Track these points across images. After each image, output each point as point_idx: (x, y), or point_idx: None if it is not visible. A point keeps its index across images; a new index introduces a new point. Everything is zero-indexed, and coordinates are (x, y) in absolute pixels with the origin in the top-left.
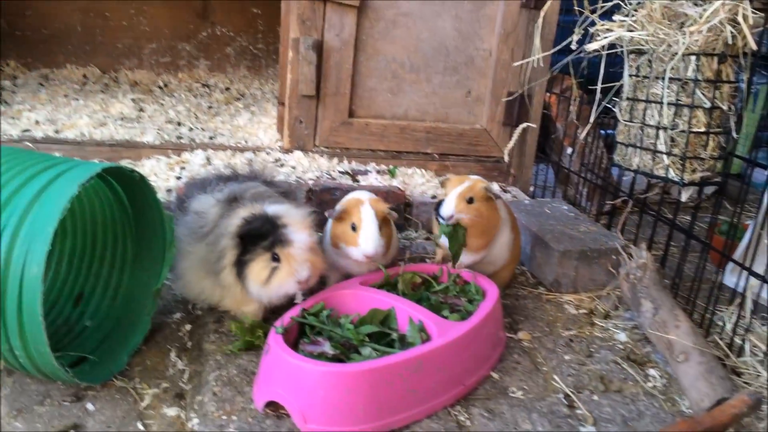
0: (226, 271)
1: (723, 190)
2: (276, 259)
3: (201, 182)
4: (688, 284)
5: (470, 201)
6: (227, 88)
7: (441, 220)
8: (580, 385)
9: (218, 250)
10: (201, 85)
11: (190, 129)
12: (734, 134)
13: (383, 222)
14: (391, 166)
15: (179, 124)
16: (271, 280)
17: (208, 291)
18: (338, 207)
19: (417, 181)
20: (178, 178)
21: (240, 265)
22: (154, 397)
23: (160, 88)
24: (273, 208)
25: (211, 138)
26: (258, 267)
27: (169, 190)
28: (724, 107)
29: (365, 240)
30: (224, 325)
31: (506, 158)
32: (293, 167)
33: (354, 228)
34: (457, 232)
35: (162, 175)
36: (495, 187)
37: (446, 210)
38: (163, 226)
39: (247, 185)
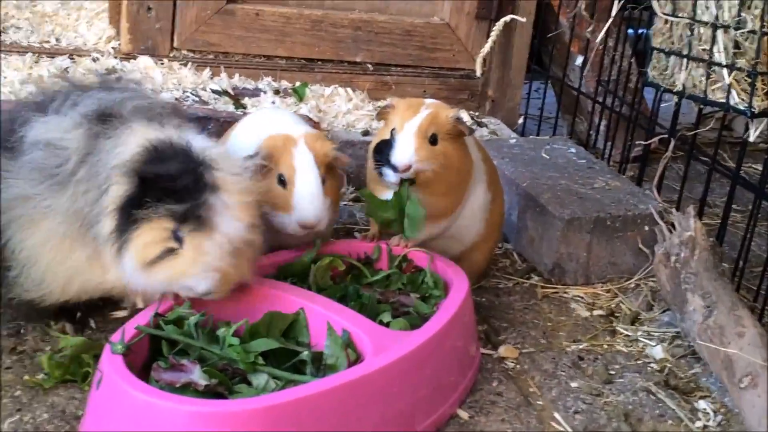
0: (109, 222)
1: None
2: (178, 239)
3: (37, 101)
4: (758, 269)
5: (433, 141)
6: None
7: (387, 173)
8: (595, 428)
9: (95, 193)
10: None
11: None
12: None
13: (327, 171)
14: (297, 83)
15: None
16: (157, 266)
17: (84, 273)
18: (255, 149)
19: (339, 107)
20: None
21: (123, 222)
22: None
23: None
24: (199, 143)
25: None
26: (147, 237)
27: None
28: None
29: (302, 201)
30: (27, 340)
31: (479, 71)
32: (137, 83)
33: (283, 182)
34: (401, 192)
35: None
36: (463, 117)
37: (400, 156)
38: None
39: (122, 95)
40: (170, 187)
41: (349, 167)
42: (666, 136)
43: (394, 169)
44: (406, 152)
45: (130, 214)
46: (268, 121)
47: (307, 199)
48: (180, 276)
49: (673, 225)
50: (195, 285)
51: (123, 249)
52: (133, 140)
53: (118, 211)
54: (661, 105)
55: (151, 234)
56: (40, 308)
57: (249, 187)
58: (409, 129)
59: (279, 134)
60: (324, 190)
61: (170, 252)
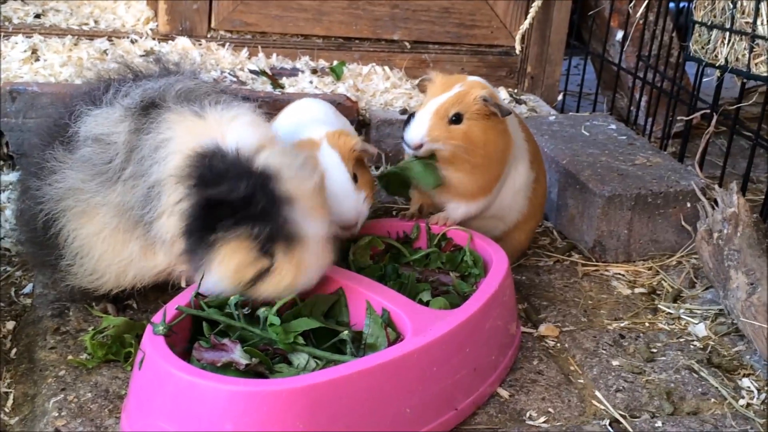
0: (164, 221)
1: None
2: (267, 255)
3: (88, 90)
4: None
5: (456, 120)
6: None
7: (406, 149)
8: (636, 406)
9: (142, 191)
10: None
11: (2, 1)
12: None
13: (357, 165)
14: (335, 63)
15: None
16: (258, 287)
17: (139, 262)
18: None
19: (377, 86)
20: None
21: (196, 244)
22: None
23: None
24: (248, 141)
25: (37, 16)
26: (237, 259)
27: None
28: None
29: (337, 202)
30: (70, 321)
31: (518, 48)
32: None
33: None
34: (426, 169)
35: None
36: (502, 94)
37: (412, 134)
38: None
39: (167, 81)
40: (247, 213)
41: (380, 145)
42: (708, 111)
43: (407, 145)
44: (417, 131)
45: (201, 237)
46: (296, 121)
47: (341, 199)
48: (286, 290)
49: (715, 201)
50: (298, 291)
51: (203, 269)
52: (177, 144)
53: (187, 233)
54: (703, 80)
55: (238, 257)
56: (91, 294)
57: (315, 183)
58: (429, 107)
59: (302, 140)
60: (357, 185)
61: (265, 272)
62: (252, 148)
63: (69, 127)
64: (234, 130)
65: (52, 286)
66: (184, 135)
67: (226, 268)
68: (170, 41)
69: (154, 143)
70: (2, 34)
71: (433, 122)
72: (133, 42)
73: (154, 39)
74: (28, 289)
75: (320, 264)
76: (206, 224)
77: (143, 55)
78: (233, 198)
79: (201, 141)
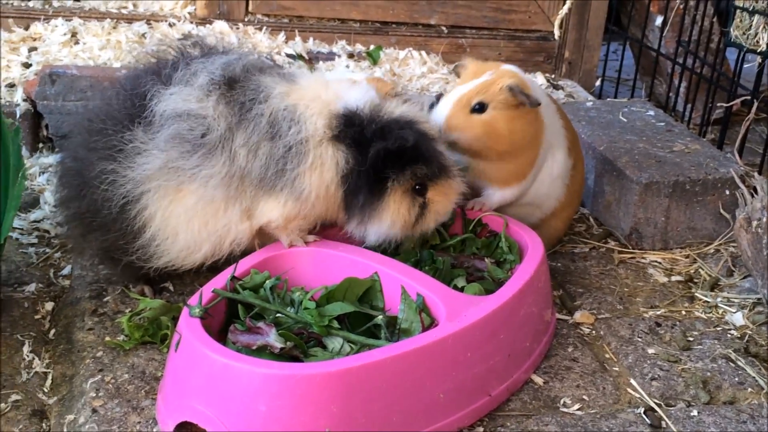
0: (307, 178)
1: None
2: (421, 192)
3: (157, 71)
4: None
5: (479, 109)
6: None
7: None
8: (672, 395)
9: (280, 151)
10: None
11: None
12: None
13: None
14: (372, 47)
15: None
16: (421, 223)
17: (236, 229)
18: None
19: (414, 71)
20: (27, 65)
21: (363, 194)
22: None
23: None
24: (390, 106)
25: (77, 0)
26: (406, 201)
27: (11, 86)
28: None
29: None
30: (107, 302)
31: (557, 33)
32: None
33: None
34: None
35: None
36: (539, 80)
37: (432, 121)
38: (4, 147)
39: (235, 57)
40: (415, 156)
41: None
42: (748, 97)
43: None
44: (436, 119)
45: (373, 190)
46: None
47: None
48: (443, 216)
49: (755, 189)
50: (445, 215)
51: (370, 216)
52: (309, 109)
53: (356, 189)
54: (744, 66)
55: (406, 200)
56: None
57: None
58: (452, 96)
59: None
60: None
61: (423, 207)
62: (377, 103)
63: (144, 108)
64: (347, 92)
65: (91, 268)
66: (307, 100)
67: (400, 212)
68: (208, 25)
69: (279, 111)
70: (42, 17)
71: (452, 111)
72: (171, 26)
73: (191, 23)
74: (66, 270)
75: (462, 189)
76: (378, 176)
77: (181, 39)
78: (407, 146)
79: (331, 104)
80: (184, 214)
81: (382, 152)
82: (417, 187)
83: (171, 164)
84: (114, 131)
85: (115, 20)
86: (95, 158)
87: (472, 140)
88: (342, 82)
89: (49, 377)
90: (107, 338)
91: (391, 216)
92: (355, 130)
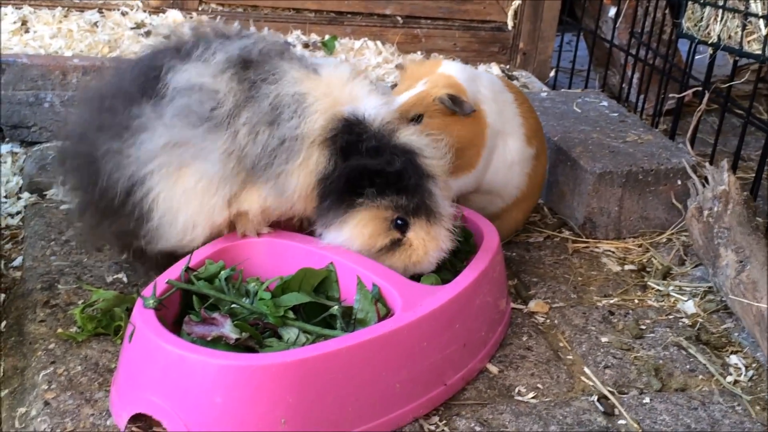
0: (295, 177)
1: None
2: (400, 228)
3: (178, 48)
4: None
5: (418, 119)
6: None
7: None
8: (625, 382)
9: (275, 140)
10: None
11: None
12: None
13: None
14: (327, 36)
15: None
16: (387, 256)
17: (221, 210)
18: None
19: (369, 61)
20: None
21: (335, 203)
22: None
23: None
24: (404, 132)
25: None
26: (370, 227)
27: None
28: None
29: None
30: (59, 294)
31: (511, 24)
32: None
33: None
34: None
35: None
36: (494, 70)
37: None
38: None
39: (252, 39)
40: (399, 185)
41: None
42: (700, 88)
43: None
44: None
45: (342, 198)
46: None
47: None
48: (415, 266)
49: (706, 179)
50: (426, 269)
51: (333, 225)
52: (316, 104)
53: (328, 192)
54: (696, 57)
55: (374, 224)
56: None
57: (444, 163)
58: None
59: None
60: None
61: (396, 245)
62: (390, 118)
63: (157, 81)
64: (364, 97)
65: (42, 259)
66: (318, 94)
67: (362, 231)
68: (161, 14)
69: (286, 96)
70: None
71: None
72: (123, 14)
73: (145, 11)
74: (17, 261)
75: (448, 245)
76: (351, 188)
77: (134, 28)
78: (389, 170)
79: (339, 105)
80: (183, 196)
81: (360, 167)
82: (398, 221)
83: (174, 140)
84: (123, 107)
85: (66, 8)
86: (105, 138)
87: None
88: (367, 85)
89: (0, 370)
90: (59, 330)
91: (351, 232)
92: (349, 139)
